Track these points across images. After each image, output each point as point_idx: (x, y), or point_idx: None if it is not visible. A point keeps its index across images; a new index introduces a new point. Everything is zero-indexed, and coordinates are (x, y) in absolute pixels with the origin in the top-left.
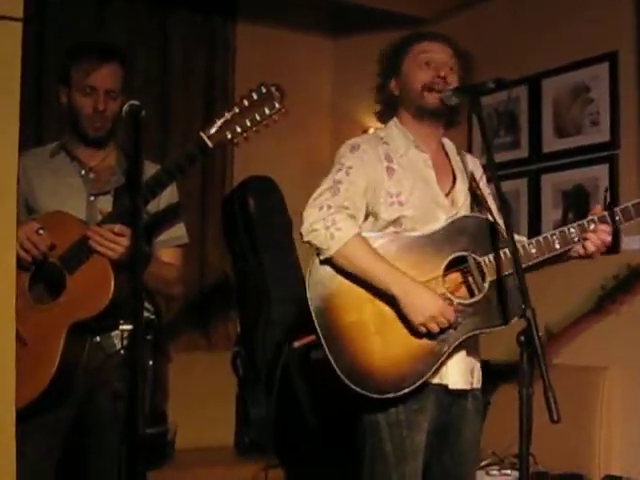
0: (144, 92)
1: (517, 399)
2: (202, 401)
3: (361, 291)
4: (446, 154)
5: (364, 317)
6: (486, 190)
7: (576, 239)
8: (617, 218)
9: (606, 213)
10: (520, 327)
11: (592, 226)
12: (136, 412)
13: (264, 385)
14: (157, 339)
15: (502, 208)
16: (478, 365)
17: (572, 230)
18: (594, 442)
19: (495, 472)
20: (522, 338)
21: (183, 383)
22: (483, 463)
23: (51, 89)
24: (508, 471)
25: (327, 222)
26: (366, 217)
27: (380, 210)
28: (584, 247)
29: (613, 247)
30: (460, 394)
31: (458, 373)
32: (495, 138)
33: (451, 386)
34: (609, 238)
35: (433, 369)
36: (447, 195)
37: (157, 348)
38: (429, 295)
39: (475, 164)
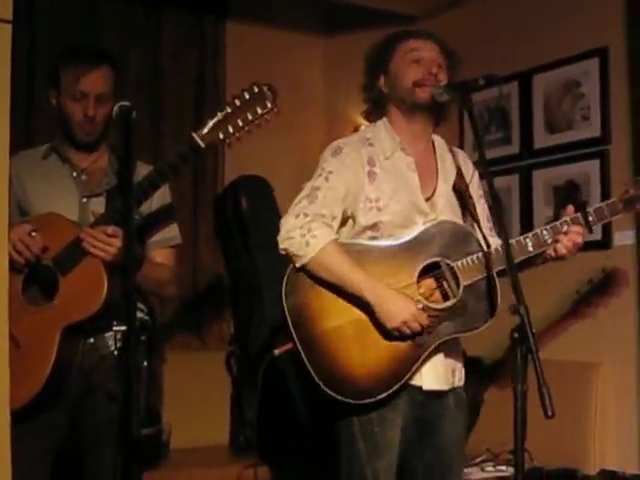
0: (135, 93)
1: (511, 395)
2: (196, 401)
3: (337, 298)
4: (435, 153)
5: (341, 324)
6: (476, 190)
7: (549, 241)
8: (590, 219)
9: (579, 214)
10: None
11: (565, 227)
12: (130, 413)
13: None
14: (151, 340)
15: (494, 206)
16: (460, 365)
17: (545, 232)
18: (589, 437)
19: (490, 468)
20: (516, 335)
21: (177, 383)
22: (478, 459)
23: (42, 91)
24: (503, 467)
25: (303, 230)
26: (345, 221)
27: (358, 215)
28: (555, 249)
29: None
30: (438, 394)
31: (434, 375)
32: (486, 134)
33: (425, 387)
34: (580, 239)
35: (410, 373)
36: (428, 199)
37: (151, 349)
38: (402, 301)
39: (466, 162)
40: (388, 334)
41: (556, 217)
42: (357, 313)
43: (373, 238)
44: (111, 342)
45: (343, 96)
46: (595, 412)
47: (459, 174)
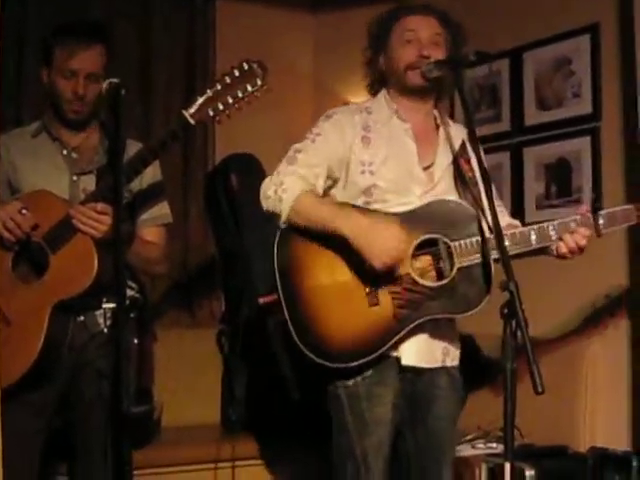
0: (125, 70)
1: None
2: (187, 379)
3: (327, 257)
4: (437, 128)
5: (327, 284)
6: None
7: (554, 237)
8: (601, 222)
9: (590, 215)
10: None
11: (573, 225)
12: (120, 390)
13: (249, 362)
14: (141, 317)
15: (484, 183)
16: (454, 344)
17: (551, 227)
18: (579, 414)
19: (481, 445)
20: (506, 310)
21: (168, 361)
22: (469, 437)
23: (31, 69)
24: (494, 444)
25: (276, 186)
26: (334, 182)
27: (351, 177)
28: (556, 247)
29: None
30: (431, 371)
31: (414, 352)
32: (477, 112)
33: (403, 362)
34: (584, 242)
35: (387, 346)
36: (426, 169)
37: (142, 326)
38: (385, 229)
39: (459, 134)
40: (374, 281)
41: (547, 195)
42: (345, 276)
43: (367, 204)
44: (101, 320)
45: (333, 74)
46: (586, 389)
47: (463, 150)
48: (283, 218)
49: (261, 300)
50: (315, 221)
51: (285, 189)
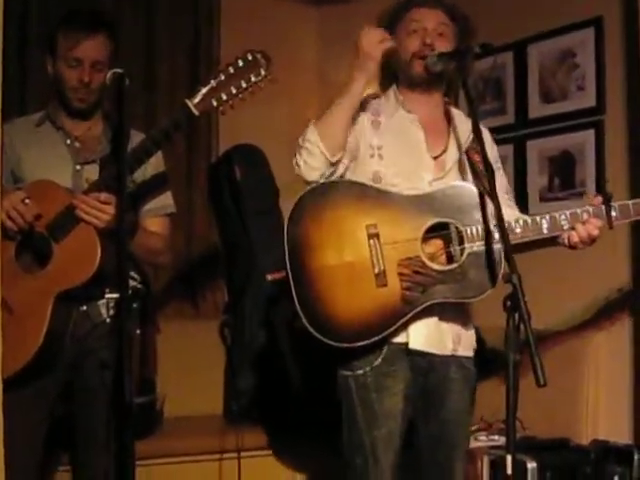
0: (129, 60)
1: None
2: (190, 370)
3: (336, 237)
4: (447, 120)
5: (336, 264)
6: (494, 162)
7: (565, 227)
8: (614, 214)
9: (603, 206)
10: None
11: (585, 216)
12: (123, 381)
13: (252, 353)
14: (144, 308)
15: (487, 174)
16: (465, 332)
17: (563, 217)
18: (581, 407)
19: (483, 437)
20: (508, 303)
21: (171, 352)
22: (471, 428)
23: (35, 58)
24: (496, 436)
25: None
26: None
27: (360, 161)
28: (568, 236)
29: None
30: (442, 360)
31: (424, 336)
32: (481, 104)
33: (411, 346)
34: (596, 232)
35: (393, 328)
36: (437, 158)
37: (145, 317)
38: None
39: (485, 133)
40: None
41: (550, 188)
42: (354, 256)
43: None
44: (104, 310)
45: (337, 65)
46: (588, 382)
47: (474, 142)
48: (311, 138)
49: (269, 277)
50: (330, 111)
51: (304, 135)
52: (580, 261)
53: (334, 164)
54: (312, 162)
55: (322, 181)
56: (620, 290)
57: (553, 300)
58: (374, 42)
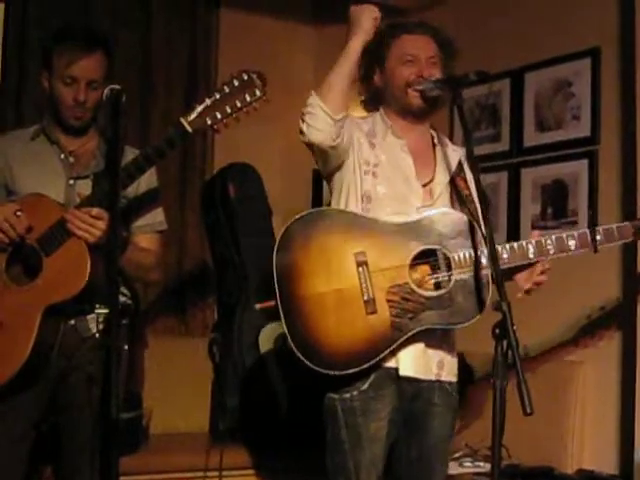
0: (126, 77)
1: (492, 391)
2: (178, 387)
3: (325, 264)
4: (433, 145)
5: (325, 291)
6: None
7: (552, 251)
8: (598, 238)
9: (587, 230)
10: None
11: (570, 241)
12: (110, 396)
13: (240, 372)
14: (133, 324)
15: (480, 201)
16: (450, 358)
17: (549, 242)
18: (567, 436)
19: (468, 464)
20: (497, 331)
21: (159, 368)
22: (456, 455)
23: (33, 72)
24: (481, 463)
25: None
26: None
27: (353, 177)
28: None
29: None
30: (427, 385)
31: (411, 361)
32: (476, 131)
33: (401, 372)
34: (542, 278)
35: (383, 354)
36: (425, 185)
37: (133, 333)
38: None
39: (456, 153)
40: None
41: (543, 216)
42: (344, 283)
43: (365, 210)
44: (92, 325)
45: None
46: (575, 411)
47: (460, 169)
48: (316, 101)
49: (258, 306)
50: (336, 66)
51: (306, 107)
52: (568, 280)
53: (338, 121)
54: (316, 124)
55: (310, 210)
56: (602, 308)
57: (541, 320)
58: (367, 14)
